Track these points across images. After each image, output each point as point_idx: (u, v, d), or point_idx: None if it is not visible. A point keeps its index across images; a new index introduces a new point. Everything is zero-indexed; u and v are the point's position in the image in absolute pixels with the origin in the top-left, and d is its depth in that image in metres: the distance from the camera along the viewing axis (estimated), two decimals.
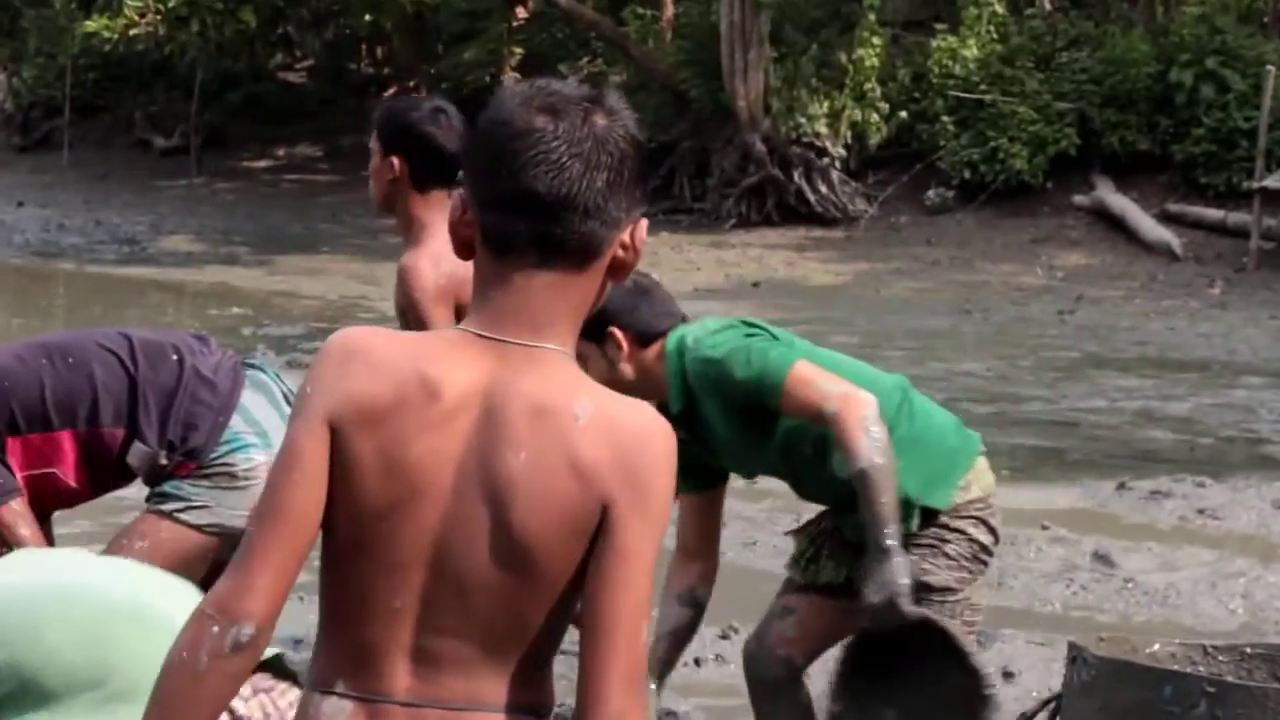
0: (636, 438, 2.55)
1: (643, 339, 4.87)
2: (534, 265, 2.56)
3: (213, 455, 5.04)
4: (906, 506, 4.80)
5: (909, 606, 4.74)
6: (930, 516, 4.91)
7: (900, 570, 4.70)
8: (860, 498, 4.69)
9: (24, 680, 3.75)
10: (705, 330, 4.89)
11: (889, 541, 4.68)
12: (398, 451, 2.54)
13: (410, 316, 4.98)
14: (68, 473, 5.08)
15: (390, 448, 2.54)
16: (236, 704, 3.47)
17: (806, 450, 4.89)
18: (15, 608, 3.86)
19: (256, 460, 5.06)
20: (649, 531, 2.54)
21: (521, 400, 2.54)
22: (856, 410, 4.66)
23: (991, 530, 5.02)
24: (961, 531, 4.94)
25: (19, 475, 5.05)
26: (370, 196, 5.33)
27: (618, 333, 4.82)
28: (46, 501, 5.16)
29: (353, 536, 2.57)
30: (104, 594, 3.93)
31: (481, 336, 2.57)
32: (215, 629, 2.51)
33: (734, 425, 4.90)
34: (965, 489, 4.96)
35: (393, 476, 2.54)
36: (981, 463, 5.07)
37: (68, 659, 3.73)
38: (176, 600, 3.93)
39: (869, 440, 4.66)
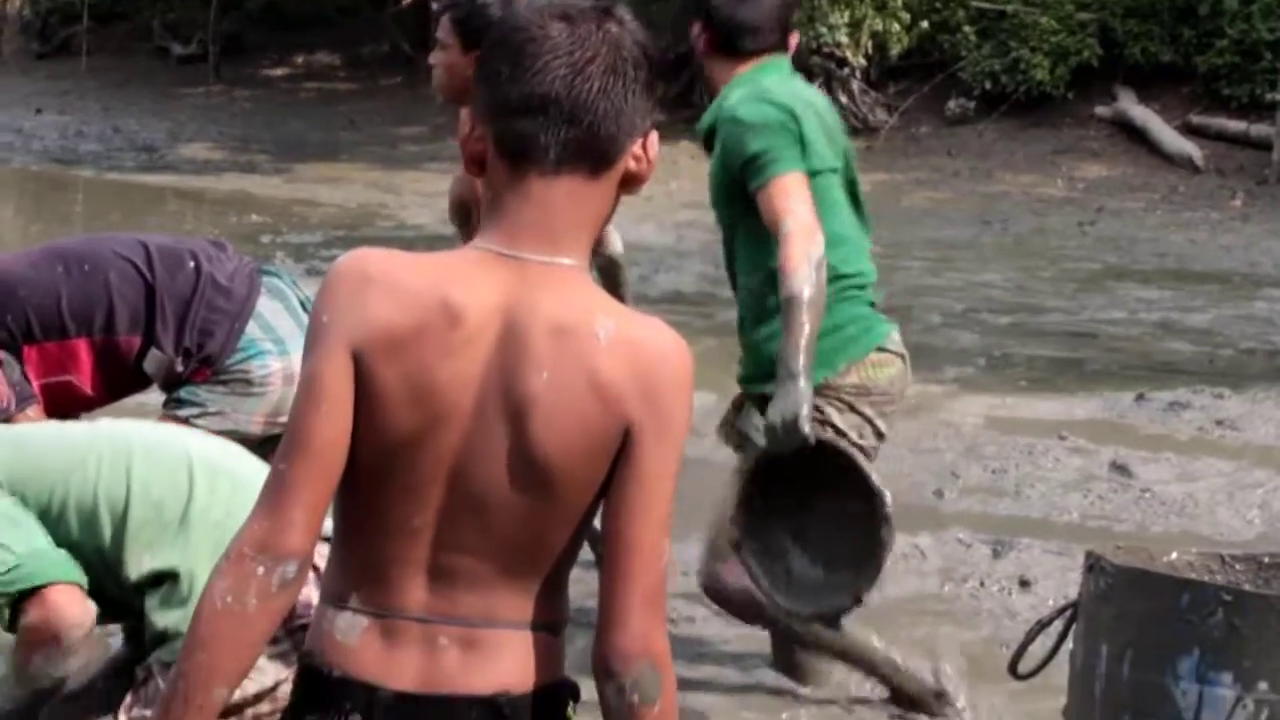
0: (657, 358, 2.56)
1: (726, 47, 5.22)
2: (551, 172, 2.56)
3: (228, 362, 5.05)
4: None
5: (809, 428, 4.92)
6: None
7: (805, 396, 4.91)
8: (782, 322, 4.92)
9: (113, 508, 3.80)
10: (765, 95, 5.12)
11: (797, 367, 4.89)
12: (422, 378, 2.54)
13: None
14: (84, 380, 5.10)
15: (415, 375, 2.54)
16: (320, 561, 3.54)
17: (754, 250, 5.20)
18: (101, 444, 3.91)
19: (272, 367, 5.07)
20: (669, 453, 2.56)
21: (543, 320, 2.55)
22: (809, 242, 4.89)
23: (863, 418, 5.25)
24: (819, 410, 5.11)
25: (36, 383, 5.07)
26: (436, 89, 5.43)
27: (704, 30, 5.24)
28: (63, 409, 5.17)
29: (375, 462, 2.57)
30: (181, 441, 3.99)
31: (500, 254, 2.57)
32: (260, 570, 2.52)
33: (722, 181, 5.24)
34: (842, 374, 5.22)
35: (418, 403, 2.55)
36: (877, 358, 5.28)
37: (154, 493, 3.77)
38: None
39: (808, 271, 4.88)
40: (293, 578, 2.53)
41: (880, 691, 5.77)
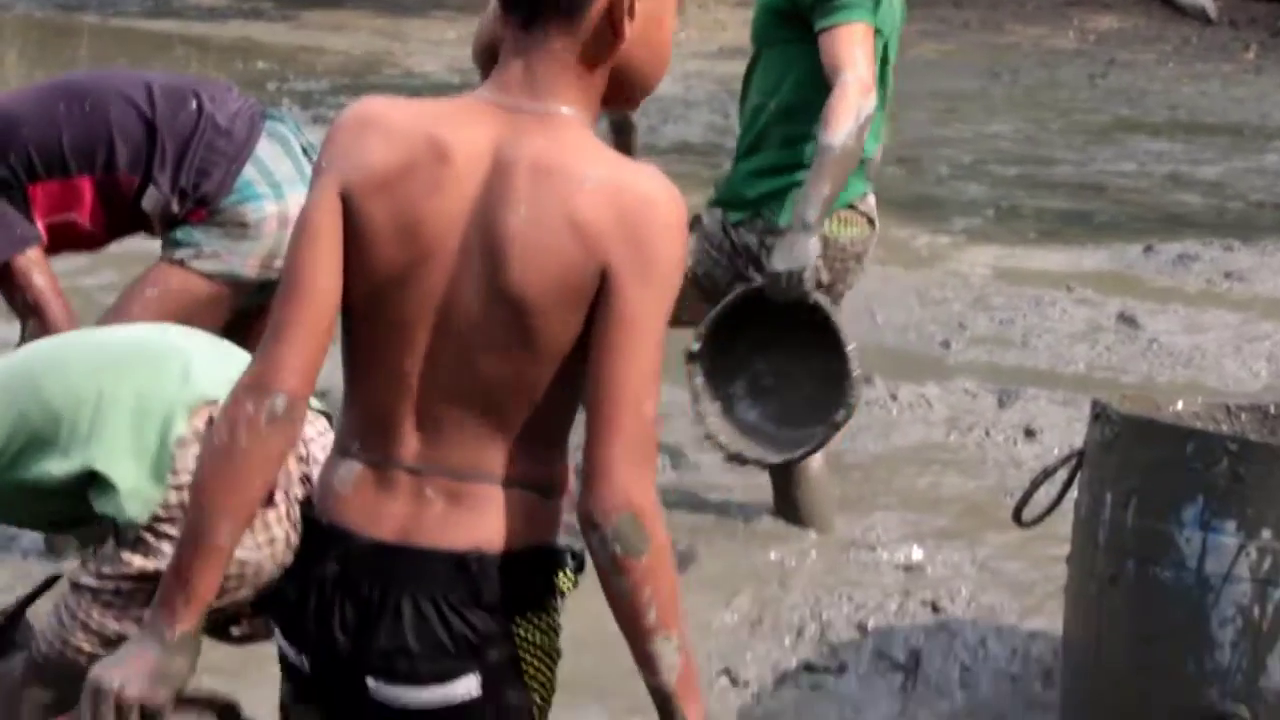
0: (642, 201, 2.54)
1: None
2: (530, 20, 2.57)
3: (224, 203, 5.03)
4: (755, 206, 5.35)
5: (811, 285, 5.05)
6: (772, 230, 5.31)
7: (813, 249, 5.03)
8: (811, 169, 5.03)
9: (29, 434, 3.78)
10: None
11: (812, 219, 5.01)
12: (409, 215, 2.56)
13: None
14: (86, 218, 5.09)
15: (401, 212, 2.56)
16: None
17: (779, 76, 5.29)
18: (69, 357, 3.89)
19: (267, 211, 5.05)
20: (652, 297, 2.52)
21: (527, 159, 2.55)
22: (863, 97, 4.95)
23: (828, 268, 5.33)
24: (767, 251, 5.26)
25: (41, 223, 5.05)
26: None
27: None
28: (67, 247, 5.18)
29: (367, 302, 2.59)
30: (87, 340, 3.98)
31: (495, 103, 2.58)
32: (250, 406, 2.56)
33: (779, 4, 5.32)
34: None
35: (404, 240, 2.56)
36: (845, 214, 5.39)
37: (55, 406, 3.75)
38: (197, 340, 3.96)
39: (852, 125, 4.97)
40: (282, 413, 2.56)
41: (891, 540, 5.81)
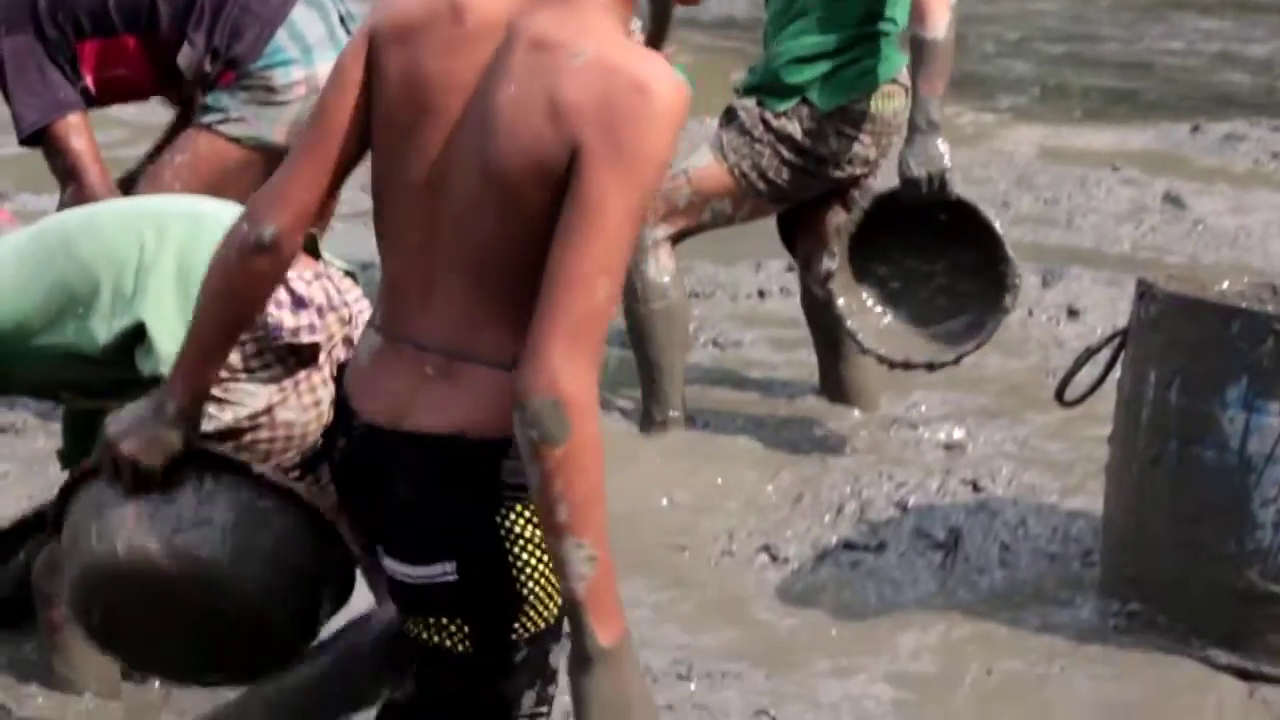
0: (632, 86, 2.49)
1: None
2: None
3: (252, 66, 5.02)
4: (798, 93, 5.37)
5: (953, 183, 5.14)
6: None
7: (946, 149, 5.14)
8: (921, 69, 5.13)
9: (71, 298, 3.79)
10: None
11: (939, 117, 5.10)
12: (418, 70, 2.59)
13: None
14: (135, 73, 5.11)
15: (412, 66, 2.59)
16: (298, 285, 3.58)
17: None
18: (49, 239, 3.89)
19: (295, 77, 5.04)
20: (618, 182, 2.47)
21: (530, 33, 2.54)
22: None
23: (860, 145, 5.41)
24: (822, 135, 5.40)
25: (91, 78, 5.08)
26: None
27: None
28: (119, 99, 5.23)
29: (383, 161, 2.64)
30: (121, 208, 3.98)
31: None
32: (245, 228, 2.73)
33: None
34: (854, 101, 5.38)
35: (411, 96, 2.59)
36: (888, 89, 5.42)
37: (99, 270, 3.77)
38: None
39: (951, 17, 5.09)
40: (267, 243, 2.71)
41: (933, 419, 5.80)
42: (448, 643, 2.65)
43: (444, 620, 2.65)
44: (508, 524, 2.60)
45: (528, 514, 2.59)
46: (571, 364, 2.45)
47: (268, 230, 2.71)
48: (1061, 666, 4.33)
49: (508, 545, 2.60)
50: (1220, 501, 4.30)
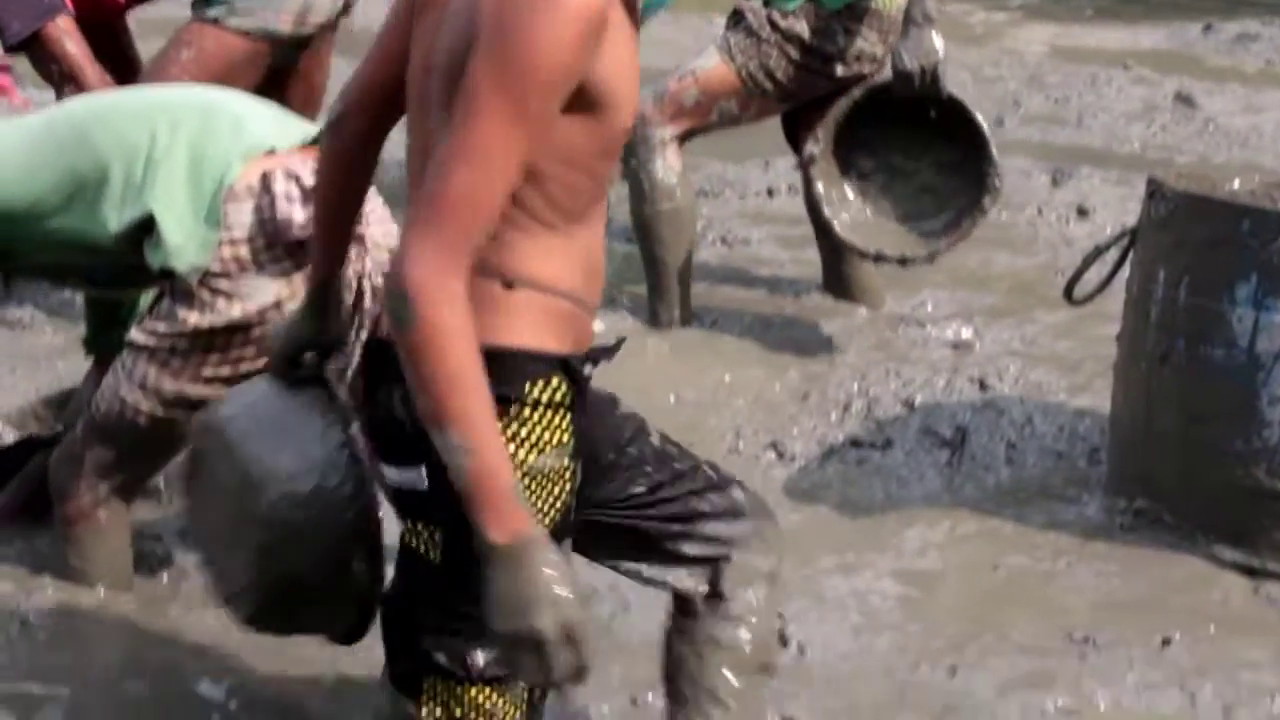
0: None
1: None
2: None
3: None
4: None
5: (945, 78, 5.17)
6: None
7: (940, 42, 5.14)
8: None
9: (81, 184, 3.79)
10: None
11: (935, 11, 5.10)
12: None
13: None
14: None
15: None
16: (310, 180, 3.61)
17: None
18: (58, 130, 3.87)
19: None
20: (489, 71, 2.47)
21: None
22: None
23: (866, 42, 5.39)
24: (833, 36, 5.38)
25: None
26: None
27: None
28: (93, 17, 5.17)
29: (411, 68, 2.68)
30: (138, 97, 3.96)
31: None
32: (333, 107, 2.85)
33: None
34: None
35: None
36: None
37: (114, 156, 3.76)
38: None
39: None
40: (334, 119, 2.82)
41: (941, 318, 5.80)
42: (421, 548, 2.67)
43: (418, 525, 2.67)
44: None
45: (500, 426, 2.56)
46: (421, 250, 2.45)
47: (336, 110, 2.81)
48: (1067, 563, 4.34)
49: None
50: (1228, 400, 4.30)
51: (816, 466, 4.90)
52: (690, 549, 3.02)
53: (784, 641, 3.91)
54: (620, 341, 2.83)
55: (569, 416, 2.65)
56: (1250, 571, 4.26)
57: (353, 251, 3.81)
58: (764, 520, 3.11)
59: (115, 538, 4.00)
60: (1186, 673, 3.81)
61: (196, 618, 3.93)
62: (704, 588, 3.04)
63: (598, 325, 2.79)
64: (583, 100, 2.54)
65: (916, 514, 4.61)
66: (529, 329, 2.60)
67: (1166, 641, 3.95)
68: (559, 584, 2.49)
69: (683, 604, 3.07)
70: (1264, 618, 4.12)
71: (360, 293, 3.82)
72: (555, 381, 2.63)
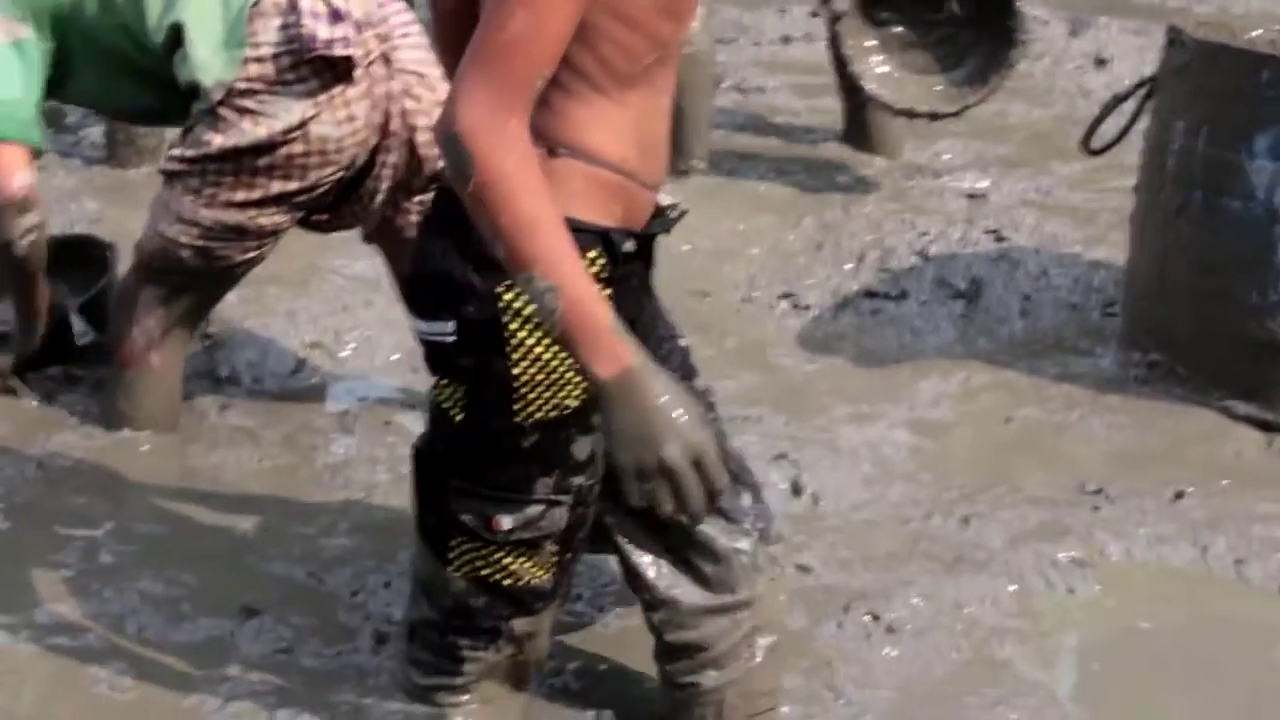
0: None
1: None
2: None
3: None
4: None
5: None
6: None
7: None
8: None
9: None
10: None
11: None
12: None
13: None
14: None
15: None
16: None
17: None
18: None
19: None
20: None
21: None
22: None
23: None
24: None
25: None
26: None
27: None
28: None
29: None
30: None
31: None
32: None
33: None
34: None
35: None
36: None
37: None
38: None
39: None
40: None
41: (957, 168, 5.77)
42: (446, 405, 2.66)
43: (445, 381, 2.66)
44: (507, 297, 2.58)
45: None
46: (475, 95, 2.40)
47: None
48: (1080, 415, 4.35)
49: (505, 319, 2.59)
50: (1244, 252, 4.28)
51: (831, 317, 4.90)
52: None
53: (797, 491, 3.93)
54: (677, 215, 2.78)
55: (606, 292, 2.59)
56: (1264, 425, 4.27)
57: (382, 70, 3.79)
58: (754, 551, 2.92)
59: (167, 384, 4.02)
60: (1198, 525, 3.83)
61: (216, 459, 3.96)
62: (662, 585, 2.91)
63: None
64: None
65: (930, 365, 4.61)
66: (571, 198, 2.55)
67: (1179, 495, 3.96)
68: (677, 409, 2.45)
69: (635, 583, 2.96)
70: (1277, 472, 4.12)
71: (388, 114, 3.81)
72: (593, 254, 2.59)
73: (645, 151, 2.63)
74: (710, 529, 2.86)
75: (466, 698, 2.93)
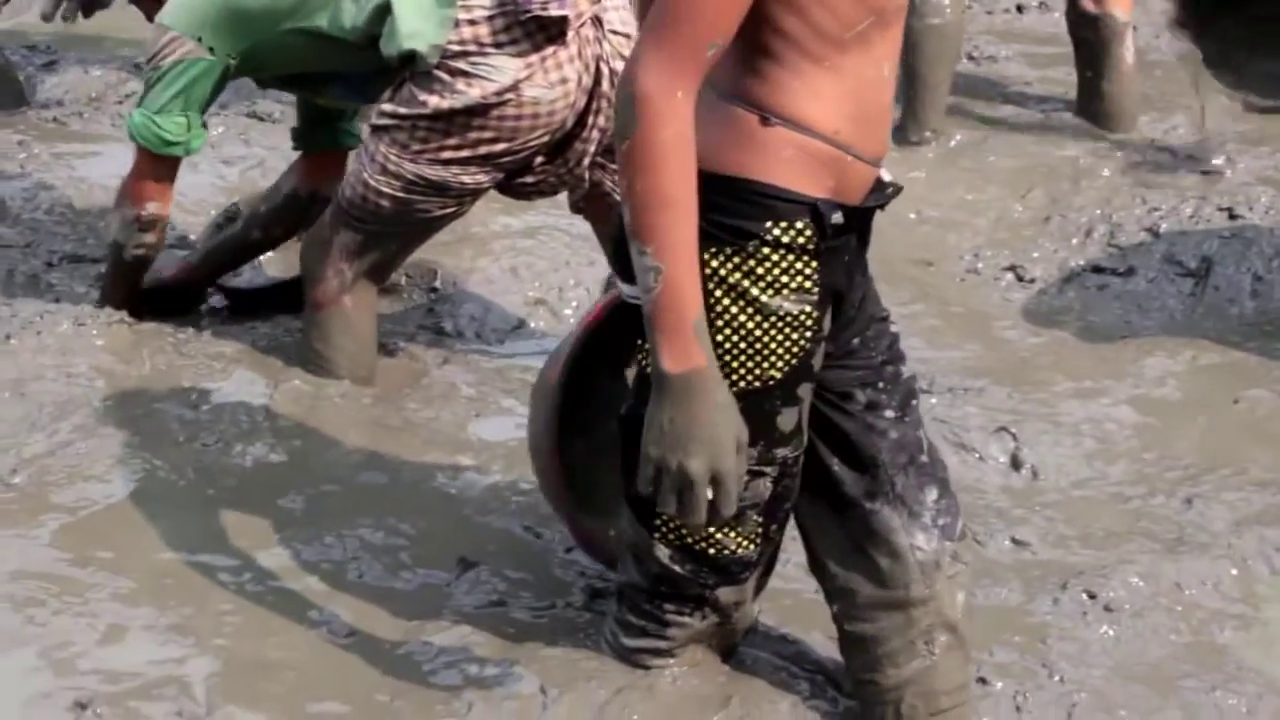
0: None
1: None
2: None
3: None
4: None
5: None
6: None
7: None
8: None
9: None
10: None
11: None
12: None
13: None
14: None
15: None
16: None
17: None
18: None
19: None
20: None
21: None
22: None
23: None
24: None
25: None
26: None
27: None
28: None
29: None
30: None
31: None
32: None
33: None
34: None
35: None
36: None
37: None
38: None
39: None
40: None
41: (1191, 143, 5.67)
42: (646, 367, 2.66)
43: (644, 344, 2.66)
44: (713, 264, 2.58)
45: (736, 260, 2.58)
46: (648, 60, 2.44)
47: None
48: None
49: (709, 286, 2.58)
50: None
51: (1056, 290, 4.84)
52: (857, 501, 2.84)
53: (1016, 465, 3.89)
54: (893, 191, 2.76)
55: (813, 264, 2.60)
56: None
57: (592, 32, 3.80)
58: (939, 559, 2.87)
59: (360, 326, 4.07)
60: None
61: (434, 413, 4.01)
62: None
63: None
64: None
65: (1156, 342, 4.53)
66: (781, 167, 2.56)
67: None
68: (722, 428, 2.49)
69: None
70: None
71: (599, 75, 3.82)
72: (800, 225, 2.59)
73: (862, 124, 2.61)
74: (890, 521, 2.83)
75: (673, 661, 2.95)
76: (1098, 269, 4.93)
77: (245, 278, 4.50)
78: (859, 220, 2.71)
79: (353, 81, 4.11)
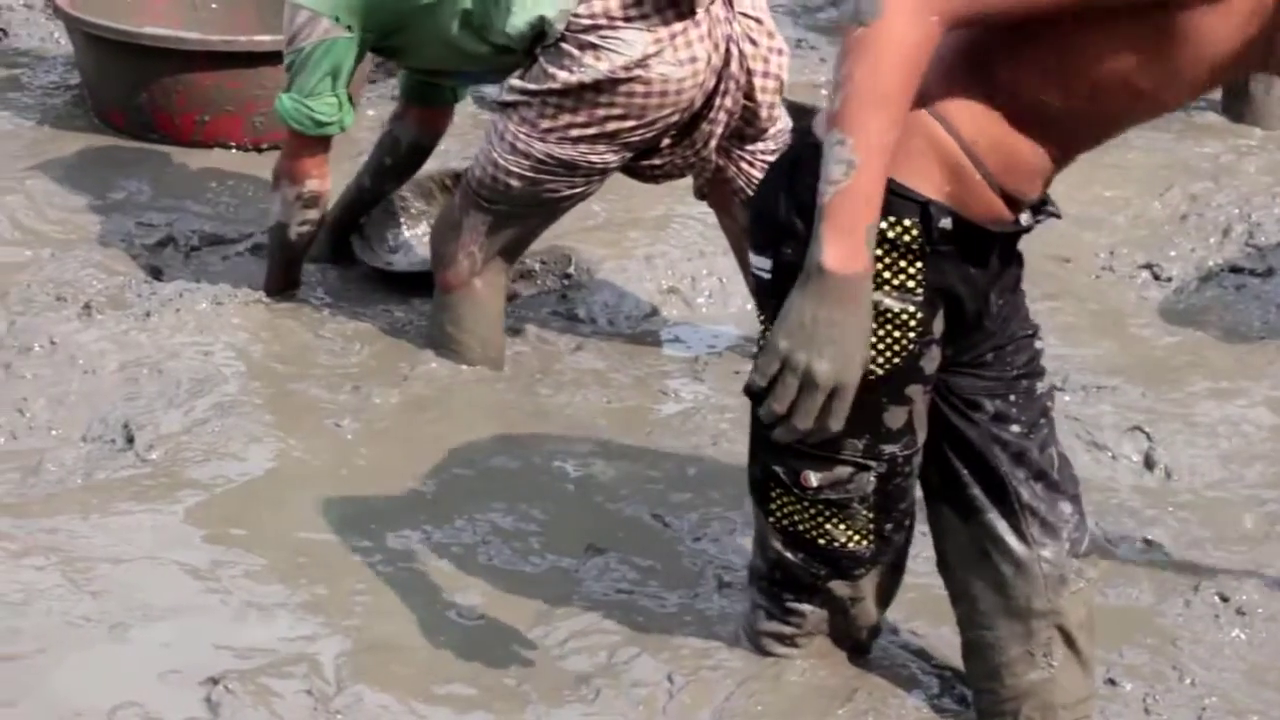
0: None
1: None
2: None
3: None
4: None
5: None
6: None
7: None
8: None
9: None
10: None
11: None
12: None
13: None
14: None
15: None
16: None
17: None
18: None
19: None
20: None
21: None
22: None
23: None
24: None
25: None
26: None
27: None
28: None
29: None
30: None
31: None
32: None
33: None
34: None
35: None
36: None
37: None
38: None
39: None
40: None
41: None
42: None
43: (765, 320, 2.66)
44: None
45: None
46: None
47: None
48: None
49: None
50: None
51: (1193, 290, 4.78)
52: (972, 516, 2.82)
53: (1150, 464, 3.86)
54: (1028, 226, 2.69)
55: (918, 264, 2.57)
56: None
57: (722, 12, 3.80)
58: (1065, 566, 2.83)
59: (491, 309, 4.09)
60: None
61: (565, 399, 4.02)
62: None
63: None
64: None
65: None
66: (902, 157, 2.48)
67: None
68: (859, 340, 2.43)
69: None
70: None
71: (728, 56, 3.82)
72: (908, 223, 2.55)
73: (1016, 173, 2.59)
74: (1016, 531, 2.79)
75: (798, 651, 2.95)
76: (1235, 269, 4.87)
77: (402, 258, 4.54)
78: (987, 240, 2.63)
79: (476, 74, 4.15)
